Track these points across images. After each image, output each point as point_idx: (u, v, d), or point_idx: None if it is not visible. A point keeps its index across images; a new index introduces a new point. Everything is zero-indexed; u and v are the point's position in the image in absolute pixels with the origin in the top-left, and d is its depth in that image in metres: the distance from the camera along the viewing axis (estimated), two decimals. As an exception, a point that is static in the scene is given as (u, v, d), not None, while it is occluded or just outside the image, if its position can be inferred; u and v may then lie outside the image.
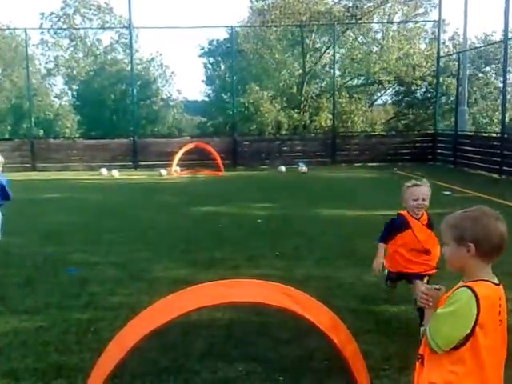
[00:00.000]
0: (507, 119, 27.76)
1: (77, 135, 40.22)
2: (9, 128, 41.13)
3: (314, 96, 37.27)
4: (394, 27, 37.51)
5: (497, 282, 2.95)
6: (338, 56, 34.19)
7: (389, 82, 37.84)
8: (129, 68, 31.66)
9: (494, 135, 25.72)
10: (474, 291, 2.80)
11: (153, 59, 45.66)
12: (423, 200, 5.92)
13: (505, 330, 2.96)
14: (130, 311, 6.09)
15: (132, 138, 26.33)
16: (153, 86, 44.55)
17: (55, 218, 13.41)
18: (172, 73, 47.25)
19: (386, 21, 37.14)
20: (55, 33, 45.23)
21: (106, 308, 6.80)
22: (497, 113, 35.87)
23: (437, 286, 3.05)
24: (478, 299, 2.78)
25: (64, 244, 10.39)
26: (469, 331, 2.78)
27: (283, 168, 24.20)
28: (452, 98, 33.59)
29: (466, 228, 3.01)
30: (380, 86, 39.48)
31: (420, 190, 5.94)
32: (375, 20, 37.09)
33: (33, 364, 5.28)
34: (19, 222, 12.87)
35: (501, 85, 25.86)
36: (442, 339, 2.83)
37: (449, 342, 2.83)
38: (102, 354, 4.05)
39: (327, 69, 38.40)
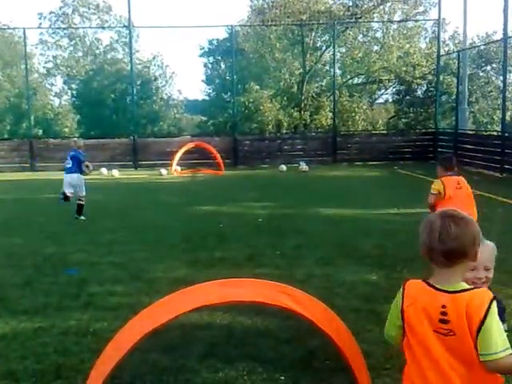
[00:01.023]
0: (508, 118, 27.72)
1: (76, 135, 40.19)
2: (8, 128, 41.14)
3: (314, 95, 37.24)
4: (394, 26, 37.50)
5: (444, 287, 2.69)
6: (338, 55, 34.20)
7: (389, 80, 37.84)
8: (128, 67, 31.67)
9: (495, 134, 25.68)
10: (404, 286, 2.86)
11: (154, 58, 45.72)
12: (486, 270, 3.30)
13: (459, 343, 2.64)
14: (129, 311, 6.06)
15: (132, 138, 26.32)
16: (153, 85, 44.59)
17: (55, 218, 13.38)
18: (173, 73, 47.36)
19: (386, 20, 37.10)
20: (54, 32, 45.26)
21: (105, 308, 6.77)
22: (497, 112, 35.85)
23: None
24: (403, 294, 2.83)
25: (63, 244, 10.36)
26: (398, 323, 2.85)
27: (284, 167, 24.18)
28: (453, 97, 33.52)
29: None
30: (381, 85, 39.47)
31: (482, 255, 3.04)
32: (375, 19, 37.04)
33: (32, 365, 5.25)
34: (19, 222, 12.87)
35: (501, 84, 25.78)
36: (386, 325, 3.06)
37: (387, 328, 3.05)
38: (102, 355, 4.03)
39: (327, 68, 38.41)
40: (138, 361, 5.05)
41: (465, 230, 2.67)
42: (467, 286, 2.72)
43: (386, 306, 6.52)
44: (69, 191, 13.15)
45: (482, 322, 2.57)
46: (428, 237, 2.69)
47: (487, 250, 3.25)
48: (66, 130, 43.22)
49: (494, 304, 2.63)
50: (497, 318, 2.63)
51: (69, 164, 13.24)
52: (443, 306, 2.66)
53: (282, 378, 4.97)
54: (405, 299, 2.81)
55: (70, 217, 13.28)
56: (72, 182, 13.12)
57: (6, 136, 37.47)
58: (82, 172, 13.29)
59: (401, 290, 2.85)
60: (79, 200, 13.15)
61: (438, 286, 2.72)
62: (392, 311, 2.95)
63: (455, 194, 8.31)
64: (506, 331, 3.02)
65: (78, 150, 13.37)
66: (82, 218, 13.01)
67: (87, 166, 13.41)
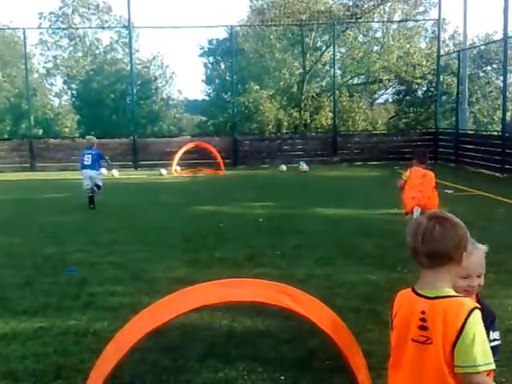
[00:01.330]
0: (508, 118, 27.72)
1: (76, 135, 40.19)
2: (8, 128, 41.14)
3: (314, 95, 37.26)
4: (394, 26, 37.50)
5: (425, 293, 2.66)
6: (338, 55, 34.20)
7: (389, 80, 37.84)
8: (128, 68, 31.65)
9: (495, 134, 25.67)
10: (396, 296, 2.88)
11: (154, 59, 45.73)
12: (478, 277, 3.14)
13: (432, 350, 2.57)
14: (129, 311, 6.05)
15: (132, 138, 26.29)
16: (153, 85, 44.60)
17: (55, 218, 13.37)
18: (173, 73, 47.38)
19: (386, 20, 37.11)
20: (54, 32, 45.26)
21: (105, 308, 6.76)
22: (498, 112, 35.84)
23: None
24: (392, 303, 2.87)
25: (63, 244, 10.35)
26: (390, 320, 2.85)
27: (284, 167, 24.17)
28: (453, 97, 33.52)
29: None
30: (381, 85, 39.48)
31: (474, 261, 3.04)
32: (375, 19, 37.05)
33: (32, 365, 5.25)
34: (19, 222, 12.87)
35: (501, 84, 25.79)
36: None
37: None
38: (102, 354, 4.02)
39: (327, 68, 38.41)
40: (138, 361, 5.05)
41: (450, 231, 2.62)
42: (451, 293, 2.65)
43: (387, 306, 6.51)
44: (87, 184, 14.71)
45: (460, 332, 2.49)
46: (412, 238, 2.68)
47: (479, 255, 3.08)
48: (66, 130, 43.22)
49: (476, 314, 2.53)
50: (479, 328, 2.53)
51: (88, 161, 14.75)
52: (422, 312, 2.62)
53: (282, 377, 4.97)
54: (394, 308, 2.83)
55: (69, 217, 13.31)
56: (92, 176, 14.70)
57: (6, 136, 37.45)
58: (100, 167, 15.48)
59: (393, 299, 2.87)
60: (92, 192, 14.69)
61: (419, 292, 2.70)
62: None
63: (417, 181, 10.37)
64: (496, 339, 3.05)
65: (92, 148, 15.03)
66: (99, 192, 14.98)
67: (106, 161, 15.89)
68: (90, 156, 14.83)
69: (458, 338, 2.50)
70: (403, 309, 2.74)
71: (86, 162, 14.81)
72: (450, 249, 2.61)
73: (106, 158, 15.73)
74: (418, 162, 10.74)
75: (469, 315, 2.52)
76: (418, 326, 2.62)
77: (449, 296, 2.62)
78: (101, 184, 15.09)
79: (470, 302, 2.61)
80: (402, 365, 2.71)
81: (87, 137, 16.83)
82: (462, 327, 2.50)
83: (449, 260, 2.63)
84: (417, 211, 10.01)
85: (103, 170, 23.57)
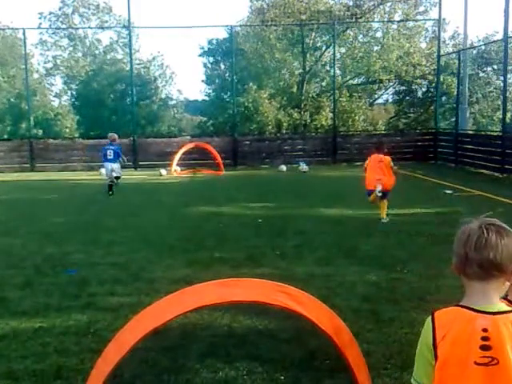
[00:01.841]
0: (508, 118, 27.70)
1: (76, 135, 40.19)
2: (8, 128, 41.14)
3: (314, 95, 37.23)
4: (395, 26, 37.48)
5: (484, 308, 2.39)
6: (338, 55, 34.16)
7: (389, 80, 37.81)
8: (128, 68, 31.65)
9: (495, 134, 25.66)
10: (433, 319, 2.47)
11: (153, 59, 45.71)
12: None
13: (501, 372, 2.35)
14: (129, 311, 6.06)
15: (132, 138, 26.28)
16: (153, 85, 44.58)
17: (55, 218, 13.38)
18: (172, 73, 47.35)
19: (386, 20, 37.10)
20: (54, 32, 45.25)
21: (105, 308, 6.77)
22: (498, 113, 35.82)
23: None
24: (434, 328, 2.44)
25: (63, 244, 10.35)
26: (432, 362, 2.43)
27: (284, 167, 24.18)
28: (453, 97, 33.50)
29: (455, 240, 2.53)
30: (381, 85, 39.44)
31: None
32: (375, 19, 37.03)
33: (32, 365, 5.26)
34: (19, 223, 12.87)
35: (502, 84, 25.77)
36: (415, 370, 2.54)
37: (417, 375, 2.52)
38: (102, 355, 4.03)
39: (327, 68, 38.38)
40: (138, 360, 5.05)
41: (506, 240, 2.38)
42: (508, 308, 2.41)
43: (386, 305, 6.57)
44: (109, 174, 17.30)
45: None
46: (463, 244, 2.41)
47: None
48: (67, 130, 43.21)
49: None
50: None
51: (110, 155, 17.35)
52: (484, 330, 2.34)
53: (282, 377, 4.97)
54: (437, 332, 2.43)
55: (69, 217, 13.32)
56: (113, 168, 17.28)
57: (5, 136, 37.43)
58: (119, 161, 17.67)
59: (429, 322, 2.47)
60: (112, 182, 17.15)
61: (476, 308, 2.39)
62: (420, 352, 2.51)
63: (376, 165, 12.44)
64: None
65: (113, 144, 17.64)
66: (111, 192, 17.02)
67: (123, 159, 17.89)
68: (112, 151, 17.40)
69: None
70: (456, 329, 2.39)
71: (108, 156, 17.38)
72: (504, 259, 2.36)
73: (123, 156, 17.92)
74: (377, 152, 12.83)
75: None
76: (479, 347, 2.34)
77: (510, 311, 2.39)
78: (120, 176, 17.83)
79: None
80: None
81: (109, 134, 18.49)
82: None
83: (500, 271, 2.38)
84: (379, 187, 11.95)
85: (103, 171, 23.66)
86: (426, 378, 2.46)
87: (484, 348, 2.33)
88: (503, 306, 2.40)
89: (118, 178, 17.73)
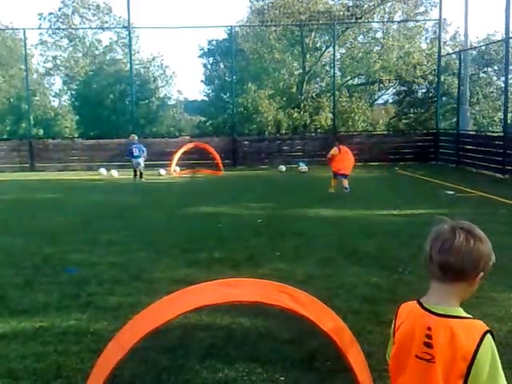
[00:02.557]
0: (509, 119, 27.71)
1: (76, 135, 40.21)
2: (8, 128, 41.14)
3: (314, 95, 37.26)
4: (395, 26, 37.49)
5: (432, 308, 2.47)
6: (338, 55, 34.17)
7: (389, 81, 37.80)
8: (128, 68, 31.63)
9: (496, 134, 25.65)
10: (398, 307, 2.67)
11: (153, 59, 45.72)
12: None
13: (433, 371, 2.42)
14: (129, 311, 6.06)
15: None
16: (152, 86, 44.58)
17: (54, 218, 13.37)
18: (173, 73, 47.36)
19: (386, 20, 37.10)
20: (54, 33, 45.24)
21: (105, 308, 6.75)
22: (499, 113, 35.82)
23: None
24: (396, 315, 2.65)
25: (63, 244, 10.34)
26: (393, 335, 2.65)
27: (283, 168, 24.17)
28: (454, 98, 33.50)
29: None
30: (381, 86, 39.44)
31: None
32: (375, 19, 37.04)
33: (32, 364, 5.24)
34: (19, 223, 12.86)
35: (503, 84, 25.77)
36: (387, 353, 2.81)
37: (387, 350, 2.81)
38: (102, 354, 4.01)
39: (327, 68, 38.40)
40: (138, 360, 5.04)
41: (472, 246, 2.38)
42: (462, 314, 2.45)
43: (387, 307, 6.55)
44: (136, 167, 21.60)
45: (472, 361, 2.32)
46: (430, 244, 2.45)
47: None
48: (67, 130, 43.24)
49: (488, 338, 2.35)
50: (495, 355, 2.35)
51: (136, 152, 21.43)
52: (429, 328, 2.43)
53: (282, 378, 4.96)
54: (397, 321, 2.62)
55: (69, 217, 13.32)
56: (139, 163, 21.48)
57: (5, 136, 37.46)
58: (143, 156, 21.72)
59: (396, 311, 2.67)
60: (141, 172, 21.71)
61: (426, 306, 2.49)
62: (390, 333, 2.72)
63: (347, 156, 16.87)
64: None
65: (136, 142, 21.93)
66: (143, 179, 21.54)
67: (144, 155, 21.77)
68: (137, 148, 21.56)
69: (471, 366, 2.33)
70: (407, 322, 2.54)
71: (135, 153, 21.43)
72: (466, 265, 2.39)
73: (145, 152, 21.81)
74: (341, 144, 17.34)
75: (482, 338, 2.35)
76: (423, 343, 2.45)
77: (459, 317, 2.43)
78: (143, 171, 21.75)
79: (481, 324, 2.42)
80: (402, 380, 2.55)
81: (131, 135, 22.91)
82: (475, 353, 2.32)
83: (462, 277, 2.42)
84: (343, 175, 16.61)
85: (102, 170, 23.67)
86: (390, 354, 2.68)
87: (427, 345, 2.43)
88: (457, 311, 2.45)
89: (141, 174, 21.63)
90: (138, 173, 21.63)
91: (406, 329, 2.53)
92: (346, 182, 16.44)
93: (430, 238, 2.47)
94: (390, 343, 2.72)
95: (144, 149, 21.71)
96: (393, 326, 2.66)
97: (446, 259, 2.38)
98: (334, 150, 16.90)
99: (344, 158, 16.70)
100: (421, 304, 2.52)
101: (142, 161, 21.50)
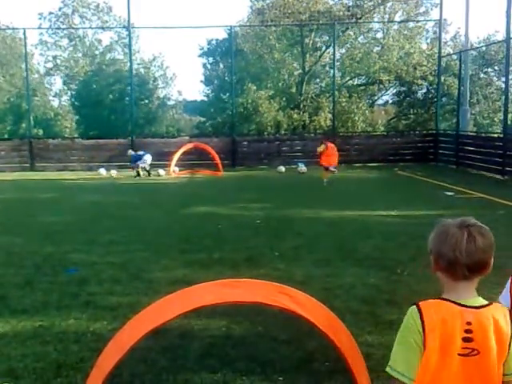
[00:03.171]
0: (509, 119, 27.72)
1: (75, 135, 40.21)
2: (8, 128, 41.14)
3: (313, 96, 37.25)
4: (395, 26, 37.48)
5: (467, 302, 2.49)
6: (337, 55, 34.14)
7: (389, 81, 37.79)
8: (127, 68, 31.61)
9: (496, 136, 25.66)
10: (419, 308, 2.51)
11: (154, 59, 45.71)
12: None
13: (483, 362, 2.45)
14: (128, 311, 6.07)
15: (130, 138, 26.30)
16: (152, 86, 44.57)
17: (54, 218, 13.38)
18: (173, 74, 47.40)
19: (386, 20, 37.10)
20: (54, 32, 45.23)
21: (104, 308, 6.77)
22: (499, 114, 35.80)
23: None
24: (421, 316, 2.48)
25: (63, 244, 10.36)
26: (421, 341, 2.46)
27: (282, 168, 24.18)
28: (454, 98, 33.49)
29: (431, 239, 2.59)
30: (381, 86, 39.42)
31: None
32: (376, 19, 37.03)
33: (32, 363, 5.26)
34: (19, 222, 12.87)
35: (503, 85, 25.76)
36: (397, 363, 2.56)
37: (397, 360, 2.56)
38: (102, 354, 4.03)
39: (327, 68, 38.39)
40: (137, 360, 5.05)
41: (489, 239, 2.51)
42: (485, 301, 2.52)
43: (386, 308, 6.57)
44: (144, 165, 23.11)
45: (510, 341, 2.46)
46: (451, 249, 2.45)
47: None
48: (67, 130, 43.24)
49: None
50: None
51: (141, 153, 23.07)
52: (468, 323, 2.45)
53: (281, 378, 4.97)
54: (425, 322, 2.47)
55: (68, 217, 13.34)
56: (145, 161, 22.92)
57: (6, 136, 37.44)
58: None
59: (415, 312, 2.51)
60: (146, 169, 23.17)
61: (460, 302, 2.49)
62: (405, 339, 2.52)
63: (334, 152, 19.56)
64: None
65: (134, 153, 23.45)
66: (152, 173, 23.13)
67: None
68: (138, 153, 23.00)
69: (510, 343, 2.46)
70: (443, 322, 2.46)
71: (140, 153, 23.04)
72: (489, 259, 2.49)
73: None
74: (328, 141, 20.17)
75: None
76: (462, 338, 2.44)
77: (489, 304, 2.52)
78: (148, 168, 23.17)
79: (502, 306, 2.60)
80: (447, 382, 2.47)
81: (129, 150, 23.85)
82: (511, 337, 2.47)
83: (486, 270, 2.51)
84: (334, 165, 19.53)
85: (102, 171, 23.68)
86: (405, 364, 2.51)
87: (466, 340, 2.44)
88: (481, 300, 2.51)
89: (149, 172, 22.96)
90: (145, 171, 22.91)
91: (443, 329, 2.46)
92: (333, 169, 19.60)
93: (445, 242, 2.49)
94: (408, 347, 2.51)
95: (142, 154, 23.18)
96: (420, 328, 2.47)
97: (476, 259, 2.46)
98: (322, 148, 19.53)
99: (331, 154, 19.45)
100: (451, 301, 2.51)
101: (147, 158, 22.96)
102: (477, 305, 2.49)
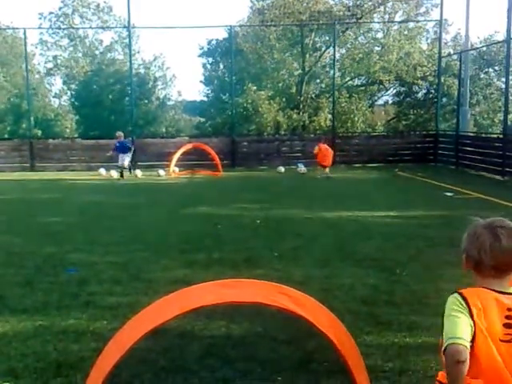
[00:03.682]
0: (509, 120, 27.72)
1: (75, 135, 40.22)
2: (8, 128, 41.15)
3: (313, 96, 37.27)
4: (395, 26, 37.47)
5: (504, 289, 2.55)
6: (337, 56, 34.14)
7: (389, 81, 37.79)
8: (127, 68, 31.60)
9: (496, 136, 25.66)
10: (463, 296, 2.53)
11: (154, 60, 45.73)
12: None
13: None
14: (128, 311, 6.07)
15: (130, 138, 26.27)
16: (152, 86, 44.57)
17: (54, 218, 13.39)
18: (173, 75, 47.42)
19: (386, 20, 37.09)
20: (54, 32, 45.25)
21: (104, 308, 6.78)
22: (499, 114, 35.81)
23: None
24: (467, 302, 2.50)
25: (63, 244, 10.36)
26: (472, 322, 2.47)
27: (282, 168, 24.18)
28: (454, 99, 33.50)
29: (463, 238, 2.67)
30: (381, 86, 39.43)
31: None
32: (376, 19, 37.03)
33: (32, 363, 5.26)
34: (19, 222, 12.88)
35: (503, 86, 25.75)
36: (457, 332, 2.47)
37: (456, 329, 2.48)
38: (101, 354, 4.04)
39: (327, 69, 38.40)
40: (136, 360, 5.05)
41: None
42: None
43: (385, 308, 6.58)
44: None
45: None
46: (477, 250, 2.54)
47: None
48: (67, 130, 43.25)
49: None
50: None
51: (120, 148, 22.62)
52: (509, 309, 2.50)
53: (280, 378, 4.98)
54: (471, 307, 2.50)
55: (68, 217, 13.35)
56: (123, 159, 22.41)
57: (6, 136, 37.45)
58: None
59: (459, 299, 2.53)
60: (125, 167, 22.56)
61: (500, 289, 2.54)
62: (454, 315, 2.51)
63: (328, 152, 21.74)
64: None
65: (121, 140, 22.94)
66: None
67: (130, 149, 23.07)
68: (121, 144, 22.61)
69: None
70: (488, 308, 2.50)
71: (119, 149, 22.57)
72: None
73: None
74: (323, 143, 22.23)
75: None
76: (503, 324, 2.49)
77: None
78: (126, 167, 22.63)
79: None
80: (494, 366, 2.49)
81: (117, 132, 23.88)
82: None
83: None
84: (328, 169, 21.46)
85: (102, 171, 23.69)
86: (464, 333, 2.47)
87: (507, 326, 2.49)
88: None
89: (130, 170, 22.87)
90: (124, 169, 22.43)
91: (489, 315, 2.50)
92: (327, 170, 21.69)
93: (473, 243, 2.57)
94: (462, 320, 2.49)
95: (129, 145, 23.22)
96: (467, 312, 2.49)
97: (501, 260, 2.53)
98: (316, 149, 22.06)
99: (325, 154, 21.86)
100: (490, 289, 2.55)
101: (126, 157, 22.51)
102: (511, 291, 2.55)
